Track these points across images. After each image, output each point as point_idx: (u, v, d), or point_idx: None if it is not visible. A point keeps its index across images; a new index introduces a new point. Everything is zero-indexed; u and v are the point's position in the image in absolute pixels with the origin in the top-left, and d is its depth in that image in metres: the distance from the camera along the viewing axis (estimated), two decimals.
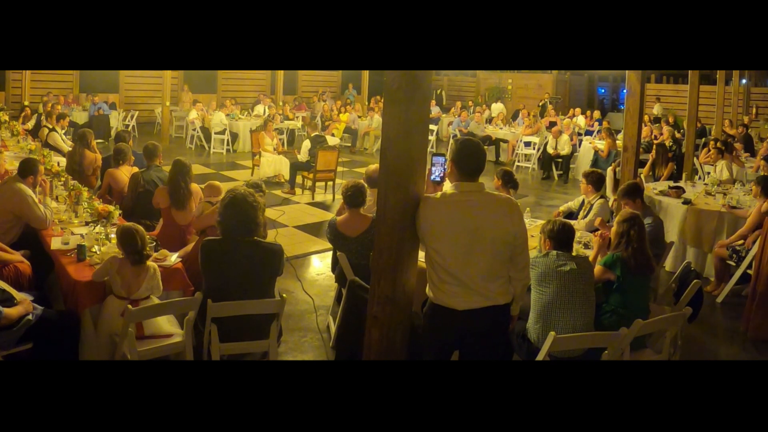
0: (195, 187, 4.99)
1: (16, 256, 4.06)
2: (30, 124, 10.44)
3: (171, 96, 13.54)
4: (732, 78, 14.34)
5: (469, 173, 2.74)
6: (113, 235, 4.12)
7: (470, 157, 2.75)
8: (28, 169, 4.67)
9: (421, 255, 2.85)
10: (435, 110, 15.45)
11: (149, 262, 3.58)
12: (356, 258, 4.07)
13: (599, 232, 4.27)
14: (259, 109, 14.55)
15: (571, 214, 5.68)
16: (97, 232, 4.23)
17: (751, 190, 5.86)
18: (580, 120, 14.37)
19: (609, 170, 8.08)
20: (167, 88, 13.06)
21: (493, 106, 16.89)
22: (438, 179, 3.06)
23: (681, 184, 7.30)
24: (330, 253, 4.91)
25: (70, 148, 7.45)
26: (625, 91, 7.32)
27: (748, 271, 5.11)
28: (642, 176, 7.68)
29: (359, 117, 14.53)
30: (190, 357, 3.41)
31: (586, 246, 4.59)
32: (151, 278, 3.53)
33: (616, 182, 6.40)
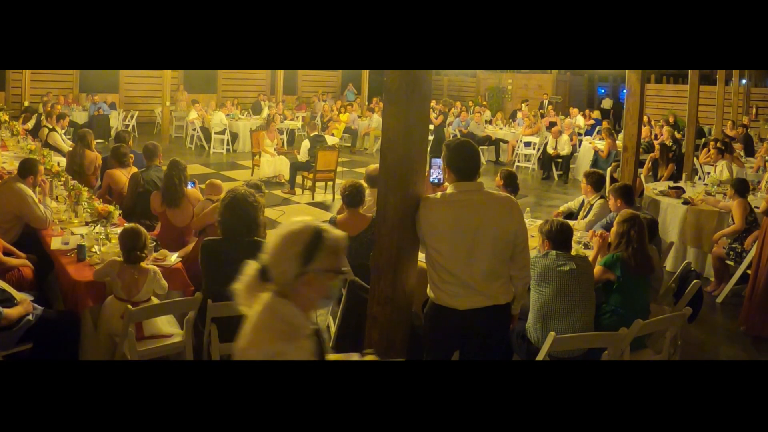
0: (193, 190, 4.97)
1: (22, 260, 4.06)
2: (30, 124, 10.44)
3: (171, 96, 13.54)
4: (732, 78, 14.33)
5: (465, 174, 2.74)
6: (113, 235, 4.12)
7: (463, 160, 2.74)
8: (28, 169, 4.67)
9: (422, 255, 2.85)
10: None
11: (148, 265, 3.58)
12: (355, 258, 4.06)
13: (599, 232, 4.26)
14: (263, 110, 14.53)
15: (571, 215, 5.68)
16: (97, 232, 4.23)
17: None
18: (580, 120, 14.35)
19: (609, 170, 8.08)
20: (167, 89, 13.05)
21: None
22: (437, 181, 3.06)
23: (681, 184, 7.30)
24: None
25: (70, 148, 7.45)
26: (625, 91, 7.31)
27: (748, 272, 5.12)
28: (642, 176, 7.67)
29: (359, 117, 14.51)
30: (190, 357, 3.41)
31: (586, 246, 4.59)
32: (151, 281, 3.53)
33: (614, 183, 6.40)
